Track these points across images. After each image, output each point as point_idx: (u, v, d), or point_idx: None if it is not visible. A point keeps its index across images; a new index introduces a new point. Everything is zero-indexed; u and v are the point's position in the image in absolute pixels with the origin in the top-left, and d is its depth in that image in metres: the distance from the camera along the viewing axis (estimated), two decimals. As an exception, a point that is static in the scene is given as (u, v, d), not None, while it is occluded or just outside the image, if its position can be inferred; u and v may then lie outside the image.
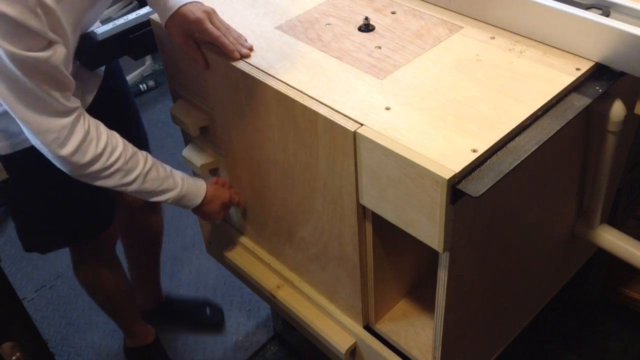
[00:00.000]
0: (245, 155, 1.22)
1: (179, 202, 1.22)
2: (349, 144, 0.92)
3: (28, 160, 1.17)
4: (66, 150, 1.03)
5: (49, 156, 1.05)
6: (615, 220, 1.39)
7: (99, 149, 1.06)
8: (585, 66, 0.98)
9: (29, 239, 1.42)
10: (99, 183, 1.11)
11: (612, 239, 1.24)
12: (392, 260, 1.13)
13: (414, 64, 1.02)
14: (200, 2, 1.11)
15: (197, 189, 1.25)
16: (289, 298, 1.33)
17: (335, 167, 0.99)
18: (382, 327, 1.21)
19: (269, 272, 1.38)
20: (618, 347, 1.70)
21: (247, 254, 1.42)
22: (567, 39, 1.00)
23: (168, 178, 1.19)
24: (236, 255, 1.43)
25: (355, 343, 1.24)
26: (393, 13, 1.16)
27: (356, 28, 1.12)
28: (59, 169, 1.09)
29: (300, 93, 0.99)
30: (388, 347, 1.19)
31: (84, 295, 2.04)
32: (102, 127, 1.09)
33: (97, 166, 1.07)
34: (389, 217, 0.96)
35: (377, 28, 1.12)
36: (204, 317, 1.93)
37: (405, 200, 0.90)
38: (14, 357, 0.96)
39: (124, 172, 1.10)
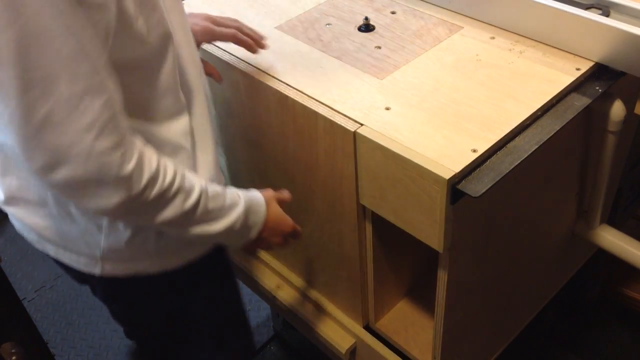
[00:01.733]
0: (245, 155, 1.22)
1: (247, 219, 0.90)
2: (349, 144, 0.92)
3: (195, 272, 0.98)
4: (130, 166, 0.70)
5: (90, 190, 0.70)
6: (615, 220, 1.39)
7: (153, 165, 0.74)
8: (585, 66, 0.98)
9: None
10: (155, 220, 0.79)
11: (612, 239, 1.24)
12: (392, 260, 1.13)
13: (414, 64, 1.02)
14: (195, 13, 1.04)
15: (251, 192, 0.95)
16: (289, 298, 1.33)
17: (335, 167, 0.99)
18: (382, 327, 1.21)
19: (269, 272, 1.38)
20: (618, 347, 1.70)
21: (247, 254, 1.42)
22: (567, 39, 1.00)
23: (225, 191, 0.88)
24: (236, 255, 1.43)
25: (355, 343, 1.24)
26: (393, 13, 1.16)
27: (356, 28, 1.12)
28: (215, 276, 0.95)
29: (300, 93, 0.99)
30: (388, 347, 1.19)
31: (84, 296, 2.05)
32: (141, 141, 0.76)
33: (155, 191, 0.75)
34: (389, 217, 0.96)
35: (377, 28, 1.12)
36: None
37: (405, 200, 0.90)
38: (14, 357, 0.96)
39: (185, 193, 0.79)
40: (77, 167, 0.67)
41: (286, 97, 0.99)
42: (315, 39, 1.11)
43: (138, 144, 0.73)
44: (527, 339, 1.46)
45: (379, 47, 1.07)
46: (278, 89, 1.00)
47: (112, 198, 0.71)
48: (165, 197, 0.77)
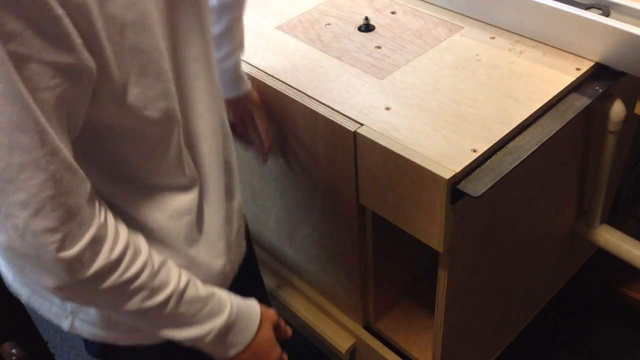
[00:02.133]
0: (245, 155, 1.22)
1: (226, 334, 0.79)
2: (349, 144, 0.92)
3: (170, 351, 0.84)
4: (72, 251, 0.63)
5: (28, 265, 0.63)
6: (615, 220, 1.39)
7: (115, 254, 0.67)
8: (585, 66, 0.98)
9: None
10: (109, 309, 0.74)
11: (612, 239, 1.24)
12: (392, 260, 1.13)
13: (414, 64, 1.02)
14: (246, 100, 1.03)
15: (248, 306, 0.83)
16: (289, 298, 1.33)
17: (335, 167, 0.99)
18: (382, 327, 1.21)
19: (269, 272, 1.38)
20: (618, 347, 1.69)
21: None
22: (567, 39, 1.00)
23: (212, 296, 0.77)
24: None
25: (355, 343, 1.24)
26: (393, 13, 1.16)
27: (356, 28, 1.12)
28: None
29: (300, 93, 0.99)
30: (388, 347, 1.19)
31: (84, 295, 2.06)
32: (121, 223, 0.69)
33: (109, 282, 0.67)
34: (389, 217, 0.96)
35: (377, 28, 1.12)
36: None
37: (405, 200, 0.90)
38: (13, 357, 0.96)
39: (149, 291, 0.71)
40: (14, 239, 0.61)
41: (286, 97, 0.99)
42: (315, 39, 1.11)
43: (97, 226, 0.65)
44: (527, 339, 1.46)
45: (379, 47, 1.07)
46: (278, 89, 1.00)
47: (50, 279, 0.64)
48: (122, 291, 0.69)
